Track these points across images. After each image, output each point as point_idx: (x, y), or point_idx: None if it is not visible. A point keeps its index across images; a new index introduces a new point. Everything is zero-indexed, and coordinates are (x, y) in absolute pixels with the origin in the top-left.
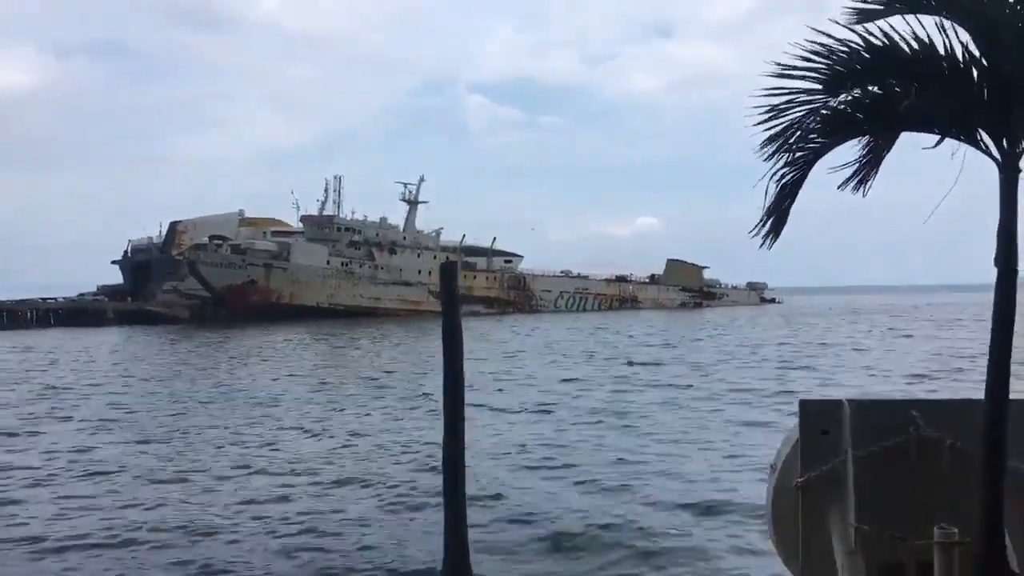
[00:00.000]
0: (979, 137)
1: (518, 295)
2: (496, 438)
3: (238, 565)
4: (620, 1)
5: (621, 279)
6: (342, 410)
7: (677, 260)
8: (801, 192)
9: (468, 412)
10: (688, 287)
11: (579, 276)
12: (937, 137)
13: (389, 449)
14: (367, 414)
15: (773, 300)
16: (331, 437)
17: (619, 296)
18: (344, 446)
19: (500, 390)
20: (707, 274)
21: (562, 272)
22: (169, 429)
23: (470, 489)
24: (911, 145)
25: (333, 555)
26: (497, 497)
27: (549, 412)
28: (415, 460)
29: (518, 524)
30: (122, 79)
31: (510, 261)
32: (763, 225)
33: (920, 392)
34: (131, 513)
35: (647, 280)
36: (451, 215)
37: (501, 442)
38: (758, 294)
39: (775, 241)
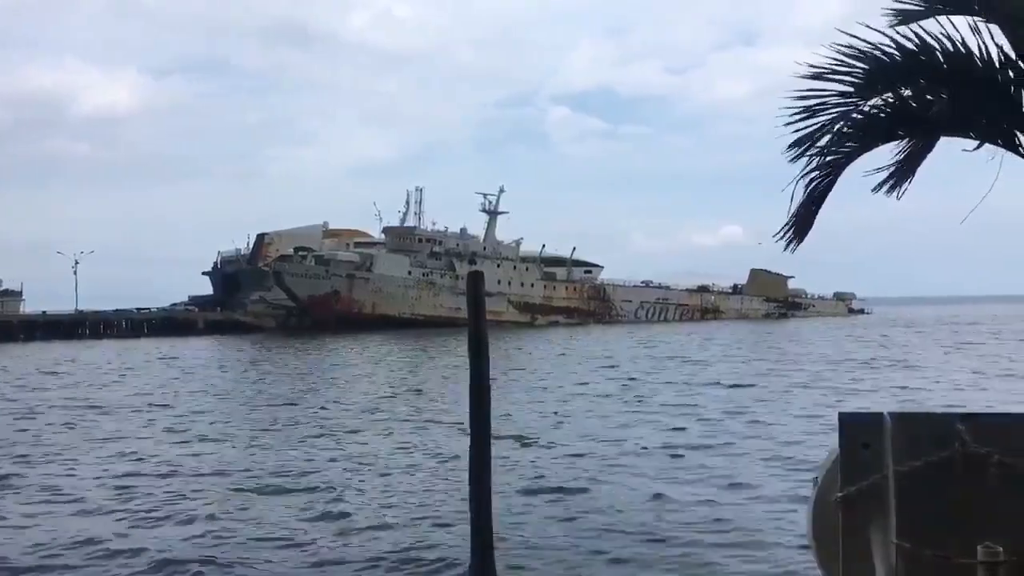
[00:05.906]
0: (1018, 142)
1: (598, 305)
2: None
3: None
4: (705, 10)
5: (703, 289)
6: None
7: (761, 270)
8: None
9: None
10: (772, 297)
11: (660, 286)
12: (976, 142)
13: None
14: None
15: (862, 311)
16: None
17: (701, 307)
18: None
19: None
20: (792, 284)
21: (643, 282)
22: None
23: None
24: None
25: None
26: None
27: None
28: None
29: None
30: (220, 98)
31: (590, 271)
32: (788, 229)
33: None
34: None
35: (730, 290)
36: (533, 225)
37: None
38: (846, 304)
39: (798, 246)
